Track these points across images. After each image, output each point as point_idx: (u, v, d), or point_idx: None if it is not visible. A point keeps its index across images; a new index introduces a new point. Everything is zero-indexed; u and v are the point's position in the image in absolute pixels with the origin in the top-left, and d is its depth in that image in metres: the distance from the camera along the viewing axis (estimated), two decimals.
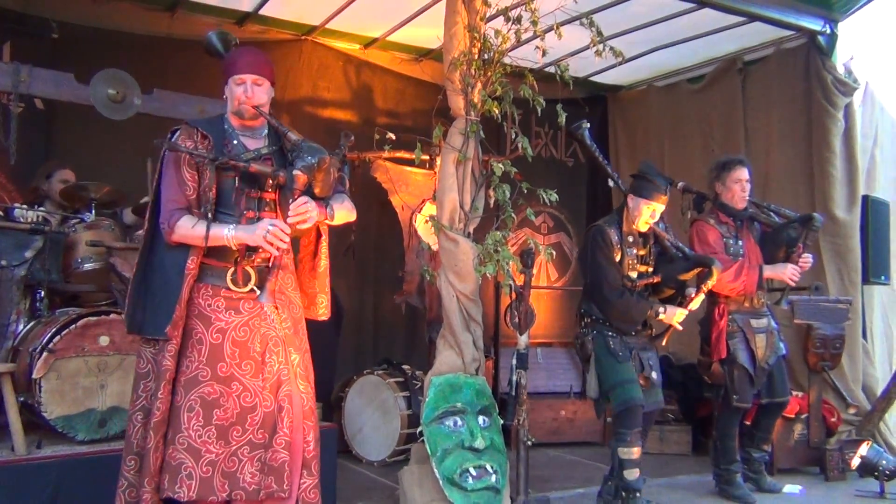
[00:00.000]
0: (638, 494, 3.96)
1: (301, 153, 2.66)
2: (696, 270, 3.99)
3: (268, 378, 2.68)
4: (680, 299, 4.05)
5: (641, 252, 4.07)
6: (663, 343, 4.14)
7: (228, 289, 2.71)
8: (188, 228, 2.62)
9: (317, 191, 2.73)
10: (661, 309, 3.98)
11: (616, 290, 3.95)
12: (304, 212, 2.64)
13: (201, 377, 2.62)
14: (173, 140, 2.70)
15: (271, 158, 2.80)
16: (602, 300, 3.99)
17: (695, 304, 4.01)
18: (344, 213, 2.86)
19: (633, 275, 4.02)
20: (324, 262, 2.96)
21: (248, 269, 2.73)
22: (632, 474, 3.95)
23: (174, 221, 2.63)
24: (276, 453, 2.63)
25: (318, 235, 2.95)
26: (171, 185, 2.69)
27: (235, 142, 2.78)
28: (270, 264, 2.68)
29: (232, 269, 2.71)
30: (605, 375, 3.99)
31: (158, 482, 2.55)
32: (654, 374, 4.02)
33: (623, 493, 3.99)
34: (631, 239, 4.04)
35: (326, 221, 2.81)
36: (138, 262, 2.76)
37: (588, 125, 4.25)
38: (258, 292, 2.70)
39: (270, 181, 2.72)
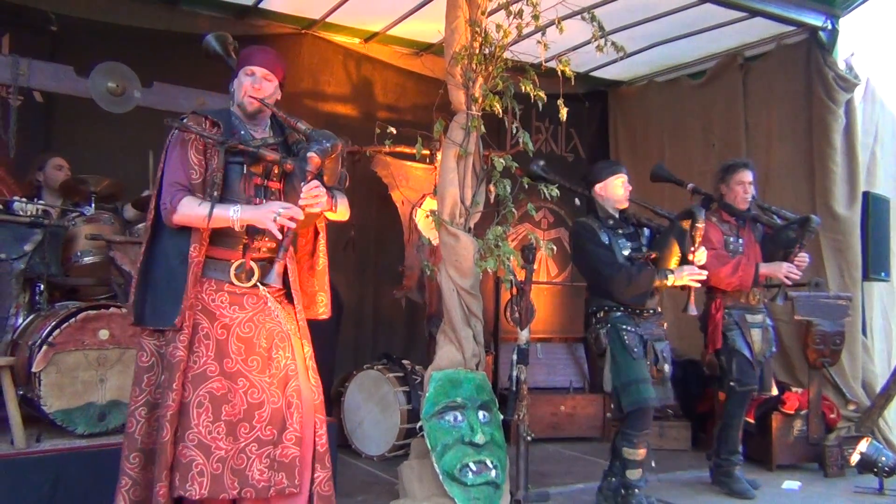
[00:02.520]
0: (637, 490, 3.96)
1: (316, 137, 2.66)
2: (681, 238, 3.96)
3: (275, 374, 2.67)
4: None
5: (627, 231, 4.09)
6: (692, 308, 4.01)
7: (232, 283, 2.69)
8: (192, 207, 2.57)
9: (325, 178, 2.73)
10: (670, 272, 3.92)
11: (613, 265, 3.93)
12: (316, 195, 2.63)
13: (209, 372, 2.58)
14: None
15: (277, 147, 2.80)
16: (604, 282, 3.95)
17: (699, 257, 3.96)
18: (343, 209, 2.86)
19: (626, 252, 4.02)
20: (322, 259, 2.95)
21: (252, 263, 2.71)
22: (634, 474, 3.96)
23: (177, 201, 2.59)
24: (287, 449, 2.61)
25: (316, 233, 2.95)
26: (177, 166, 2.65)
27: (242, 131, 2.77)
28: (279, 244, 2.65)
29: (236, 264, 2.70)
30: (618, 372, 3.92)
31: (170, 480, 2.50)
32: (667, 367, 3.98)
33: (623, 490, 4.00)
34: (611, 222, 4.08)
35: (329, 213, 2.81)
36: (144, 251, 2.72)
37: (542, 163, 4.23)
38: (260, 286, 2.70)
39: (278, 168, 2.72)
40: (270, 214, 2.56)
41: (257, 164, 2.73)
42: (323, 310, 2.98)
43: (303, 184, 2.61)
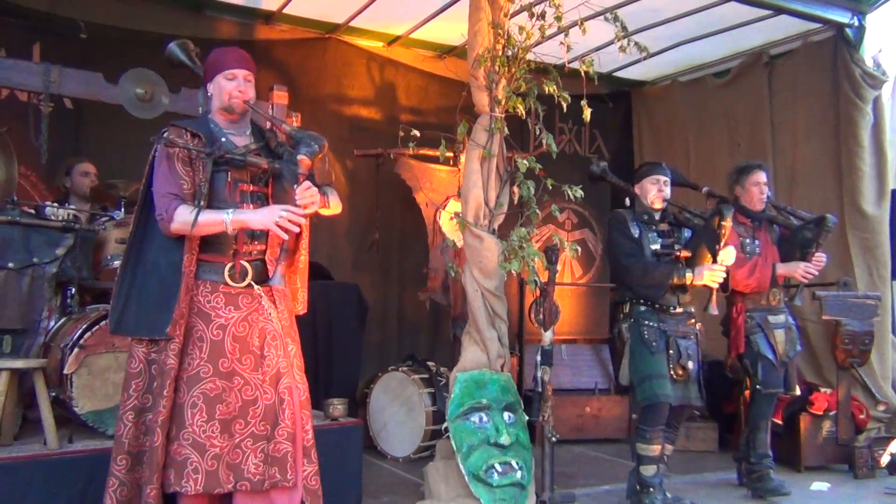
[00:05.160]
0: (652, 489, 3.95)
1: (304, 139, 2.71)
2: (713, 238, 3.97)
3: (267, 371, 2.73)
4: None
5: (662, 226, 4.15)
6: (713, 309, 4.03)
7: (227, 284, 2.75)
8: (187, 215, 2.63)
9: (316, 178, 2.80)
10: (689, 270, 3.96)
11: (632, 256, 4.03)
12: (311, 195, 2.68)
13: (203, 374, 2.66)
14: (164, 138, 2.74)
15: (260, 153, 2.85)
16: (622, 271, 4.08)
17: (725, 256, 3.97)
18: (335, 202, 2.92)
19: (656, 247, 4.08)
20: (303, 256, 2.99)
21: (245, 263, 2.77)
22: (648, 470, 3.96)
23: (172, 210, 2.64)
24: (279, 444, 2.68)
25: (299, 232, 2.97)
26: (167, 178, 2.71)
27: (224, 139, 2.82)
28: (281, 246, 2.72)
29: (230, 265, 2.75)
30: (635, 366, 3.98)
31: (163, 478, 2.60)
32: (690, 364, 3.96)
33: (638, 486, 3.99)
34: (646, 217, 4.14)
35: (322, 210, 2.85)
36: (124, 263, 2.77)
37: (605, 164, 4.41)
38: (254, 286, 2.76)
39: (266, 173, 2.78)
40: (274, 216, 2.62)
41: (243, 171, 2.79)
42: (301, 306, 3.02)
43: (295, 186, 2.66)
